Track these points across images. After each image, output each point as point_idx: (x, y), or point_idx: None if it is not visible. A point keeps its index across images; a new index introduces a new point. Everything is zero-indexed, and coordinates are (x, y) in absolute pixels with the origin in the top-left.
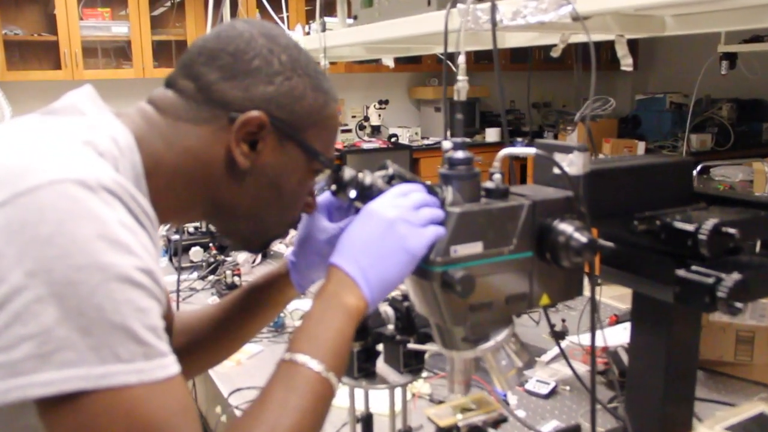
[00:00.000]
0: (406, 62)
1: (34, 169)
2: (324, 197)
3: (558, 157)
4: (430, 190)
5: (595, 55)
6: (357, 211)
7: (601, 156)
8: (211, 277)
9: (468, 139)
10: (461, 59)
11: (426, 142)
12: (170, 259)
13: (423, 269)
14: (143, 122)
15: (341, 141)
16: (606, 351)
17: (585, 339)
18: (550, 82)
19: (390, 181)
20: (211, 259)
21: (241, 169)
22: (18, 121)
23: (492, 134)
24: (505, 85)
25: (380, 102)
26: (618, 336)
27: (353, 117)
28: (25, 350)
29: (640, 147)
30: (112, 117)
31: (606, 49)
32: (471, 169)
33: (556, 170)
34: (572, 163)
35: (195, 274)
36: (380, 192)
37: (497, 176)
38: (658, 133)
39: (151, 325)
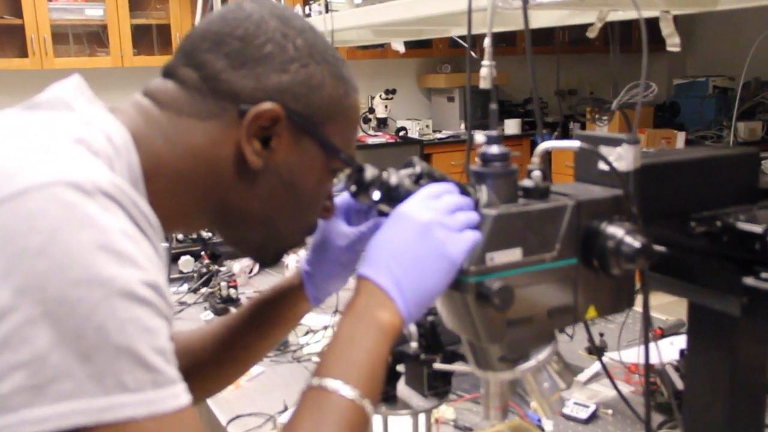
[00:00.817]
0: (414, 47)
1: (20, 171)
2: (342, 198)
3: (604, 150)
4: (463, 190)
5: (645, 33)
6: (380, 214)
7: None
8: (203, 290)
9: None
10: (488, 42)
11: (438, 135)
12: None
13: (455, 280)
14: (140, 118)
15: None
16: (653, 369)
17: (626, 355)
18: (576, 67)
19: (418, 180)
20: (204, 270)
21: (253, 169)
22: None
23: (512, 126)
24: (526, 71)
25: (387, 92)
26: (665, 352)
27: (359, 104)
28: (16, 381)
29: (680, 137)
30: (105, 112)
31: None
32: (507, 166)
33: (602, 166)
34: (621, 158)
35: (185, 287)
36: (408, 193)
37: (536, 173)
38: (700, 122)
39: (159, 348)
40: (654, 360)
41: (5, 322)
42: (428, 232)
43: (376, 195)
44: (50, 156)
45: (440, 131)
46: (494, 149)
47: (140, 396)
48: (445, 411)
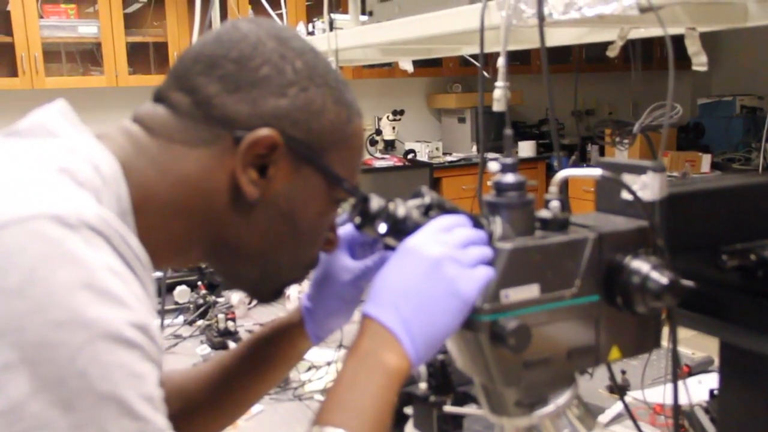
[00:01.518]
0: (423, 66)
1: None
2: (345, 230)
3: (627, 179)
4: (476, 222)
5: (671, 51)
6: (387, 247)
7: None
8: (200, 322)
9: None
10: (502, 62)
11: (449, 158)
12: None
13: (467, 318)
14: (130, 146)
15: None
16: (680, 411)
17: (651, 395)
18: (594, 87)
19: (427, 212)
20: (200, 301)
21: (249, 200)
22: None
23: (526, 149)
24: (541, 90)
25: (394, 112)
26: (694, 392)
27: (363, 130)
28: None
29: (705, 160)
30: (91, 139)
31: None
32: (523, 196)
33: (626, 195)
34: (646, 186)
35: (181, 318)
36: (417, 226)
37: (555, 204)
38: (726, 143)
39: (148, 395)
40: (682, 401)
41: None
42: (438, 268)
43: (383, 228)
44: (31, 187)
45: (450, 154)
46: (509, 178)
47: None
48: None
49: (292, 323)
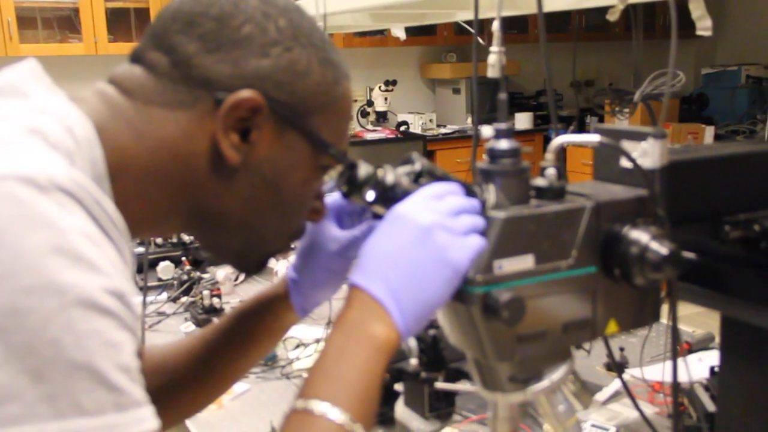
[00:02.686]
0: (417, 34)
1: None
2: (333, 199)
3: (626, 146)
4: (469, 190)
5: (675, 16)
6: (375, 216)
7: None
8: (184, 299)
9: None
10: (497, 25)
11: (443, 130)
12: (133, 277)
13: (459, 290)
14: (105, 108)
15: None
16: (680, 389)
17: (650, 372)
18: (593, 56)
19: (417, 179)
20: (185, 277)
21: (231, 166)
22: None
23: (523, 120)
24: (538, 60)
25: (387, 83)
26: (694, 369)
27: (354, 101)
28: None
29: (708, 132)
30: (64, 101)
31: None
32: (518, 163)
33: (625, 163)
34: (646, 154)
35: (164, 295)
36: (406, 193)
37: (551, 171)
38: (731, 115)
39: (124, 365)
40: (682, 378)
41: None
42: (429, 235)
43: (370, 195)
44: (1, 148)
45: (445, 126)
46: (503, 144)
47: (100, 420)
48: None
49: (278, 295)
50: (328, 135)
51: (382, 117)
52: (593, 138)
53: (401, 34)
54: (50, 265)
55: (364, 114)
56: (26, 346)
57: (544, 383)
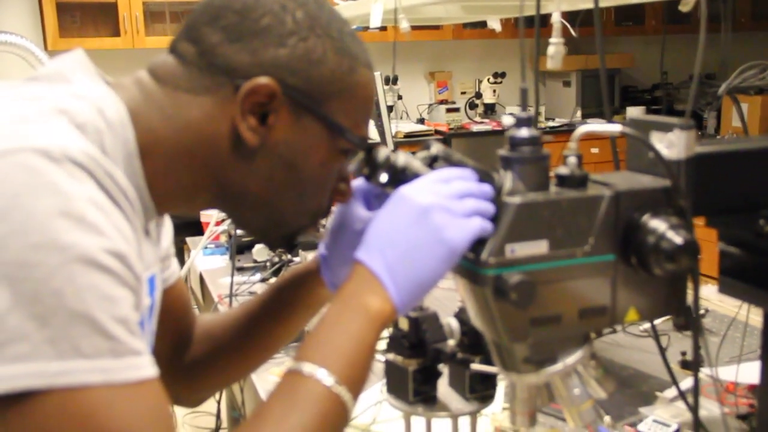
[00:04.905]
0: (526, 26)
1: None
2: (360, 182)
3: (655, 137)
4: (484, 176)
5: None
6: None
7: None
8: (272, 280)
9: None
10: (556, 17)
11: (551, 124)
12: (231, 258)
13: (473, 272)
14: (139, 93)
15: (446, 122)
16: (753, 390)
17: (724, 372)
18: (715, 49)
19: (432, 164)
20: (276, 259)
21: (250, 147)
22: None
23: (635, 114)
24: (656, 52)
25: (495, 75)
26: None
27: (462, 93)
28: None
29: None
30: (104, 87)
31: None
32: (537, 151)
33: (653, 154)
34: (672, 145)
35: (257, 276)
36: (416, 176)
37: (572, 160)
38: None
39: (120, 317)
40: (753, 379)
41: None
42: (426, 215)
43: (383, 177)
44: (23, 124)
45: (553, 119)
46: (523, 132)
47: (96, 363)
48: (506, 419)
49: (310, 271)
50: (345, 120)
51: (490, 109)
52: (615, 128)
53: (496, 26)
54: (56, 226)
55: (473, 106)
56: (33, 294)
57: (558, 366)
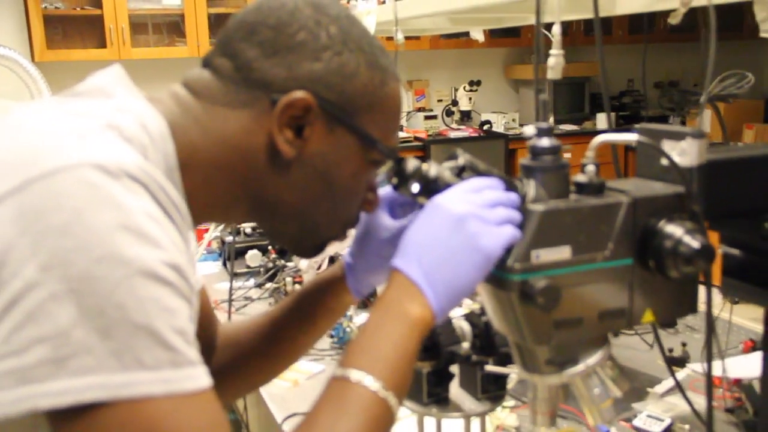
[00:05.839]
0: (501, 36)
1: (48, 153)
2: (385, 191)
3: (667, 145)
4: (509, 185)
5: (713, 18)
6: (422, 207)
7: (734, 144)
8: (269, 285)
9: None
10: (556, 29)
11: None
12: (224, 264)
13: (499, 277)
14: (177, 107)
15: (425, 129)
16: (738, 384)
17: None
18: (678, 57)
19: (460, 173)
20: (270, 264)
21: (286, 159)
22: (34, 103)
23: (604, 120)
24: (622, 60)
25: (471, 83)
26: (754, 366)
27: (439, 101)
28: (39, 354)
29: None
30: (143, 101)
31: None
32: (558, 160)
33: (664, 161)
34: (684, 152)
35: (252, 281)
36: (447, 186)
37: (590, 168)
38: None
39: (179, 328)
40: (741, 374)
41: (30, 297)
42: (462, 224)
43: (415, 187)
44: (79, 139)
45: (527, 125)
46: (544, 142)
47: (158, 374)
48: (506, 418)
49: (335, 278)
50: (376, 132)
51: (466, 116)
52: (632, 137)
53: (479, 37)
54: (118, 240)
55: (449, 113)
56: (97, 308)
57: (580, 367)
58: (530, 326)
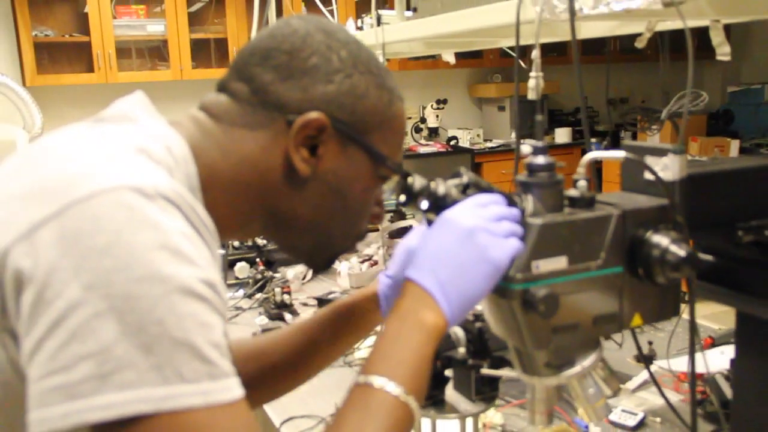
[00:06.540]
0: (465, 57)
1: (87, 177)
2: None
3: (650, 160)
4: (510, 201)
5: (691, 44)
6: (429, 223)
7: (689, 157)
8: (258, 295)
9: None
10: (536, 53)
11: (489, 144)
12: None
13: (501, 287)
14: (197, 131)
15: None
16: (702, 378)
17: (675, 364)
18: (627, 76)
19: (465, 190)
20: (259, 276)
21: (302, 177)
22: (65, 130)
23: (562, 135)
24: (575, 80)
25: (438, 101)
26: (716, 361)
27: (408, 118)
28: (84, 371)
29: (734, 146)
30: (165, 125)
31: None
32: (553, 176)
33: (648, 176)
34: (667, 168)
35: (241, 292)
36: (455, 202)
37: (582, 183)
38: (755, 130)
39: (215, 342)
40: (703, 369)
41: (74, 316)
42: (472, 236)
43: (424, 204)
44: (114, 163)
45: (491, 140)
46: (540, 159)
47: (197, 387)
48: (493, 416)
49: (367, 297)
50: (385, 149)
51: (433, 132)
52: (620, 154)
53: (451, 59)
54: (156, 259)
55: (418, 130)
56: (138, 324)
57: (576, 369)
58: (530, 332)
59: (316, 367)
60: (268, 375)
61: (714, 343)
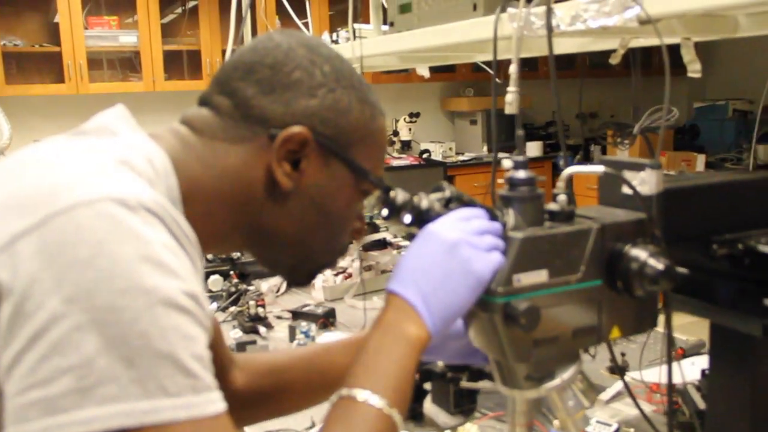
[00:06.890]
0: (438, 71)
1: (68, 188)
2: None
3: (627, 175)
4: (492, 215)
5: (667, 61)
6: (411, 237)
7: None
8: (232, 308)
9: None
10: (514, 69)
11: (461, 158)
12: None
13: (483, 300)
14: (178, 143)
15: None
16: (675, 389)
17: (648, 375)
18: (596, 91)
19: (448, 204)
20: (232, 289)
21: (284, 191)
22: (45, 142)
23: (534, 148)
24: (548, 94)
25: (411, 115)
26: (687, 372)
27: (386, 128)
28: (65, 384)
29: (700, 160)
30: (145, 138)
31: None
32: (534, 191)
33: (626, 190)
34: (644, 182)
35: (215, 305)
36: (438, 216)
37: (562, 197)
38: (720, 145)
39: (198, 355)
40: (676, 380)
41: (55, 328)
42: (455, 249)
43: (407, 218)
44: (96, 175)
45: (463, 153)
46: (521, 174)
47: (180, 400)
48: (470, 428)
49: None
50: (367, 163)
51: (406, 146)
52: (599, 168)
53: (425, 73)
54: (139, 271)
55: (391, 143)
56: (121, 337)
57: (556, 381)
58: (511, 345)
59: (331, 388)
60: (283, 391)
61: (685, 354)
